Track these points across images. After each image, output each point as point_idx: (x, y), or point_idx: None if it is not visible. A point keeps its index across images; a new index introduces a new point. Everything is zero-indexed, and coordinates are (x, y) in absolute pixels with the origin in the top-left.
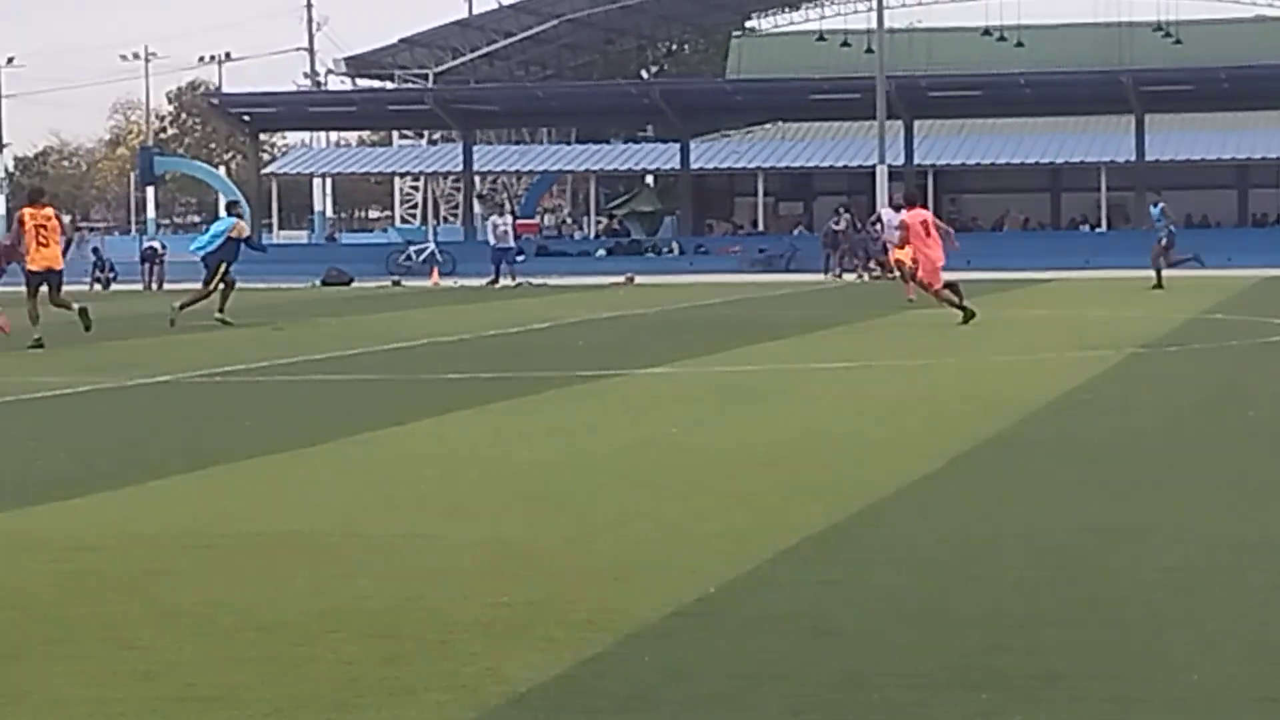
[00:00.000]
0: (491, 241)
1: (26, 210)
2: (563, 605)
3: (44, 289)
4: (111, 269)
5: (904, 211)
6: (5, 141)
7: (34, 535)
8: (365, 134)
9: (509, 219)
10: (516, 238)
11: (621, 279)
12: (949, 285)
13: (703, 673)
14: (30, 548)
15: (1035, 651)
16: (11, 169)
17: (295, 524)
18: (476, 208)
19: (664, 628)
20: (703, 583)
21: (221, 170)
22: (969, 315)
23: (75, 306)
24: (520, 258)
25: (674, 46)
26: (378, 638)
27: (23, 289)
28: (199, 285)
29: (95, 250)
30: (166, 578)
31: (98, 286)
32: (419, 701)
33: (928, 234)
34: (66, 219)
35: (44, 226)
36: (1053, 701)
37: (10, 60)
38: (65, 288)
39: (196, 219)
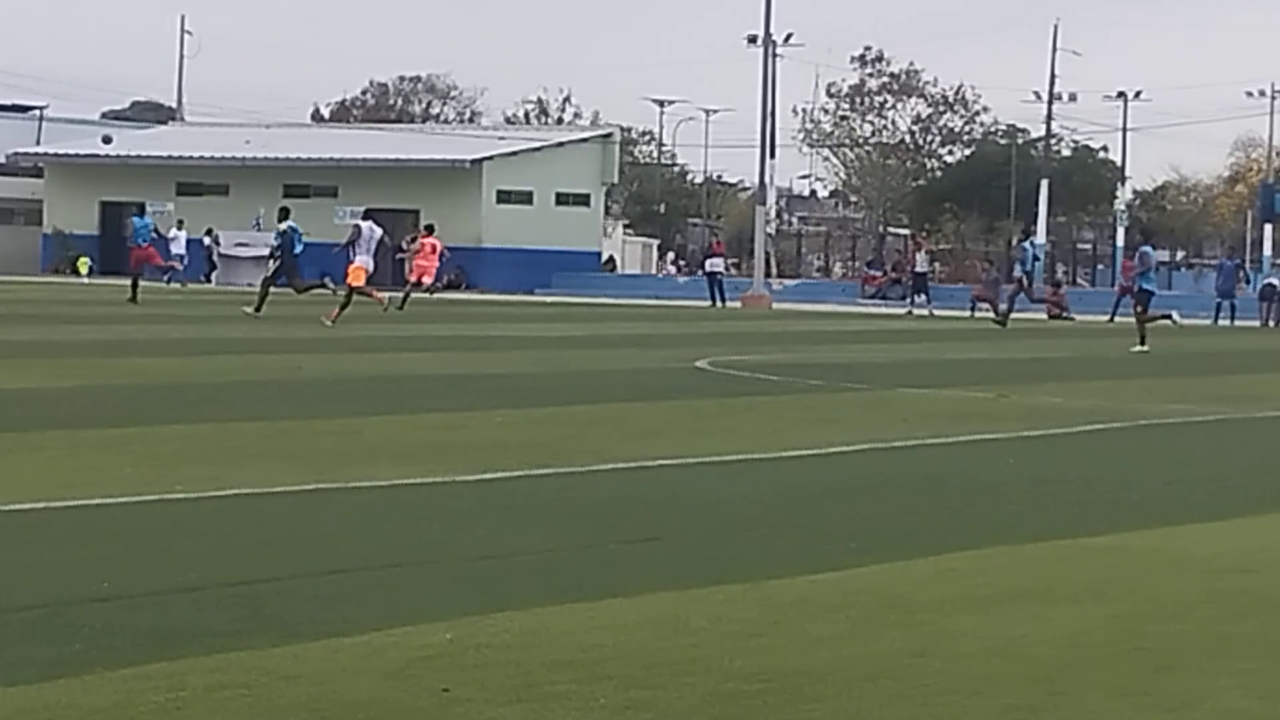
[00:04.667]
0: None
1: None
2: None
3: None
4: None
5: None
6: (1127, 175)
7: (1180, 553)
8: None
9: None
10: None
11: None
12: None
13: None
14: (1179, 565)
15: None
16: (1130, 201)
17: None
18: None
19: None
20: None
21: None
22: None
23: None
24: None
25: None
26: None
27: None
28: None
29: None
30: None
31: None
32: None
33: None
34: None
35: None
36: None
37: (1138, 94)
38: None
39: None
